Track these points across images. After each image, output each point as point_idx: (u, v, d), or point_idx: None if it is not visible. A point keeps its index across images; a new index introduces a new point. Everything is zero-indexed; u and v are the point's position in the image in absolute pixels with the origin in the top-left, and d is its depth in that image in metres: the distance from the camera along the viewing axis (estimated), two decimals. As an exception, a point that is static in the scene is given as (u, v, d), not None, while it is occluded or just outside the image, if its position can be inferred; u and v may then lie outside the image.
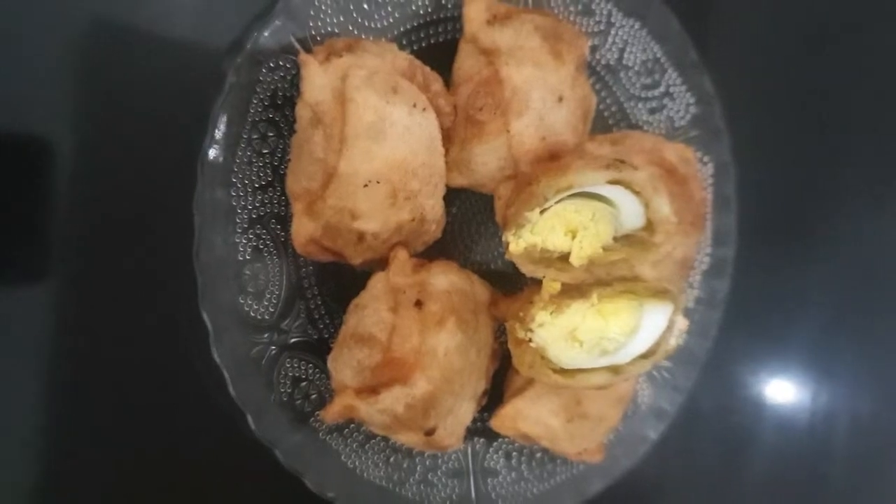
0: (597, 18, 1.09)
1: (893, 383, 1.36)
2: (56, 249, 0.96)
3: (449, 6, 1.02)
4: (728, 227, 1.16)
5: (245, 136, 0.91)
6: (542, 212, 0.89)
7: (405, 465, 1.01)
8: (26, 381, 0.95)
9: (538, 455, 1.07)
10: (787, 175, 1.31)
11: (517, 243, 0.90)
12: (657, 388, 1.13)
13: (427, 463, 1.02)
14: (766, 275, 1.28)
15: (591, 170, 0.87)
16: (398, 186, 0.88)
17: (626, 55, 1.12)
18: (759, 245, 1.23)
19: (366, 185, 0.86)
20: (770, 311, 1.31)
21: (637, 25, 1.10)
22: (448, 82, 0.99)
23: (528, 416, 1.00)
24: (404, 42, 1.01)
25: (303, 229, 0.90)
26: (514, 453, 1.07)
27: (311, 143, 0.87)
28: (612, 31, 1.10)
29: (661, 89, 1.14)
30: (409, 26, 1.01)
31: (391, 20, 1.00)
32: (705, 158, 1.16)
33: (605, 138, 1.08)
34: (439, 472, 1.02)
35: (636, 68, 1.13)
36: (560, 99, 0.98)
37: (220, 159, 0.89)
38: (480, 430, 1.05)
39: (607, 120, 1.14)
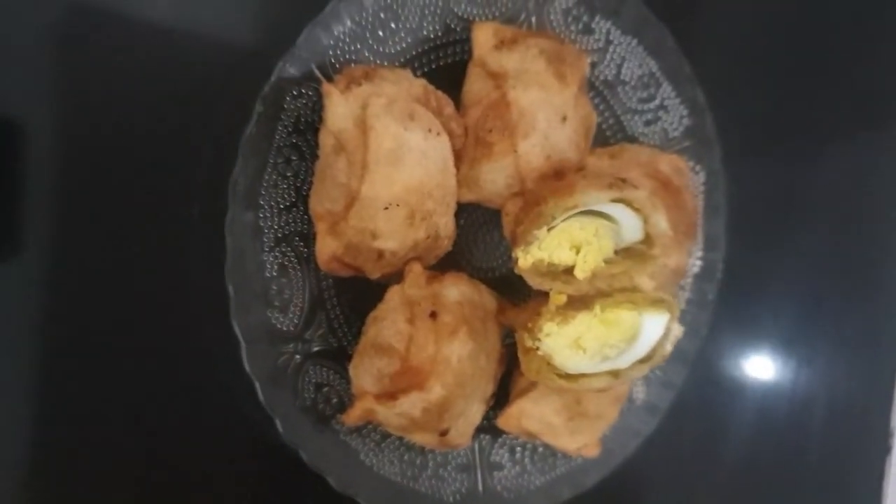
0: (596, 37, 1.15)
1: (866, 367, 1.44)
2: (79, 261, 1.02)
3: (458, 30, 1.07)
4: (718, 233, 1.23)
5: (271, 161, 0.97)
6: (549, 229, 0.96)
7: (418, 462, 1.08)
8: (54, 396, 1.01)
9: (540, 450, 1.15)
10: (769, 175, 1.38)
11: (526, 259, 0.97)
12: (650, 385, 1.21)
13: (438, 459, 1.10)
14: (745, 266, 1.34)
15: (595, 189, 0.94)
16: (416, 208, 0.95)
17: (623, 71, 1.18)
18: (739, 239, 1.29)
19: (386, 208, 0.92)
20: (747, 299, 1.37)
21: (634, 42, 1.16)
22: (457, 101, 1.05)
23: (531, 414, 1.08)
24: (416, 64, 1.07)
25: (326, 248, 0.96)
26: (518, 448, 1.14)
27: (335, 169, 0.93)
28: (611, 49, 1.16)
29: (657, 102, 1.20)
30: (420, 50, 1.06)
31: (404, 45, 1.05)
32: (697, 167, 1.22)
33: (605, 152, 1.15)
34: (449, 468, 1.10)
35: (633, 83, 1.19)
36: (564, 119, 1.04)
37: (249, 185, 0.95)
38: (487, 427, 1.12)
39: (605, 132, 1.20)
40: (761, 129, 1.35)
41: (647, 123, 1.21)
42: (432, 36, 1.07)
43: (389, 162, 0.92)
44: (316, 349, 1.03)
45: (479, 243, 1.15)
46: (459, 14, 1.07)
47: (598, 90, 1.18)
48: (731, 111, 1.24)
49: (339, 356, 1.04)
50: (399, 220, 0.94)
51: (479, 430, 1.10)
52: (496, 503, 1.11)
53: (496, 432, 1.12)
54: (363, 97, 0.93)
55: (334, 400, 1.04)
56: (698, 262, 1.24)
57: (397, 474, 1.07)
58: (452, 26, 1.07)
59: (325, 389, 1.03)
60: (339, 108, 0.92)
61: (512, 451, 1.14)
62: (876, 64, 1.41)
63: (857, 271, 1.43)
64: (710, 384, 1.35)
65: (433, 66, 1.08)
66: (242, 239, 0.95)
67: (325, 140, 0.94)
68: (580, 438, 1.10)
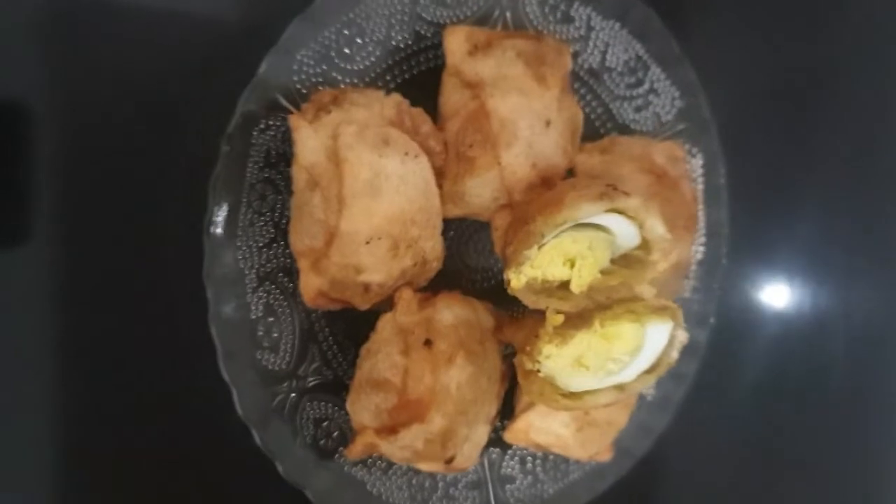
0: (576, 24, 1.09)
1: (883, 291, 1.41)
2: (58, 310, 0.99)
3: (428, 35, 1.02)
4: (720, 218, 1.19)
5: (245, 200, 0.93)
6: (540, 247, 0.92)
7: (427, 485, 1.06)
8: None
9: (551, 457, 1.12)
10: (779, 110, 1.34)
11: (518, 279, 0.93)
12: (661, 380, 1.17)
13: (447, 479, 1.08)
14: (759, 190, 1.32)
15: (586, 202, 0.89)
16: (399, 238, 0.91)
17: (608, 57, 1.12)
18: (751, 169, 1.27)
19: (368, 242, 0.89)
20: (764, 225, 1.35)
21: (617, 26, 1.11)
22: (434, 111, 1.00)
23: (539, 428, 1.05)
24: (388, 77, 1.02)
25: (311, 285, 0.92)
26: (529, 458, 1.12)
27: (311, 206, 0.89)
28: (593, 35, 1.11)
29: (646, 87, 1.15)
30: (391, 61, 1.02)
31: (373, 59, 1.00)
32: (694, 150, 1.17)
33: (595, 147, 1.10)
34: (459, 486, 1.08)
35: (619, 69, 1.13)
36: (547, 123, 0.99)
37: (224, 230, 0.91)
38: (495, 440, 1.09)
39: (594, 122, 1.15)
40: (759, 103, 1.30)
41: (638, 109, 1.16)
42: (402, 45, 1.02)
43: (367, 193, 0.88)
44: (312, 384, 1.01)
45: (472, 251, 1.11)
46: (428, 19, 1.02)
47: (583, 80, 1.13)
48: (725, 89, 1.18)
49: (337, 388, 1.02)
50: (383, 252, 0.91)
51: (488, 443, 1.07)
52: (511, 517, 1.09)
53: (505, 445, 1.10)
54: (333, 126, 0.89)
55: (335, 433, 1.02)
56: (701, 249, 1.19)
57: (407, 500, 1.05)
58: (423, 32, 1.02)
59: (325, 424, 1.01)
60: (309, 140, 0.88)
61: (523, 462, 1.12)
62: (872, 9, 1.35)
63: (870, 195, 1.40)
64: (729, 314, 1.31)
65: (406, 77, 1.04)
66: (223, 286, 0.92)
67: (298, 175, 0.90)
68: (591, 447, 1.07)
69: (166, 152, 1.01)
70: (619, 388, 0.95)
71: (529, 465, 1.12)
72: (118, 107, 1.00)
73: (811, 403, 1.39)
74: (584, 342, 0.93)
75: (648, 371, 0.96)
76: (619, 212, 0.91)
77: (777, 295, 1.37)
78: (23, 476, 1.00)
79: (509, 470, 1.11)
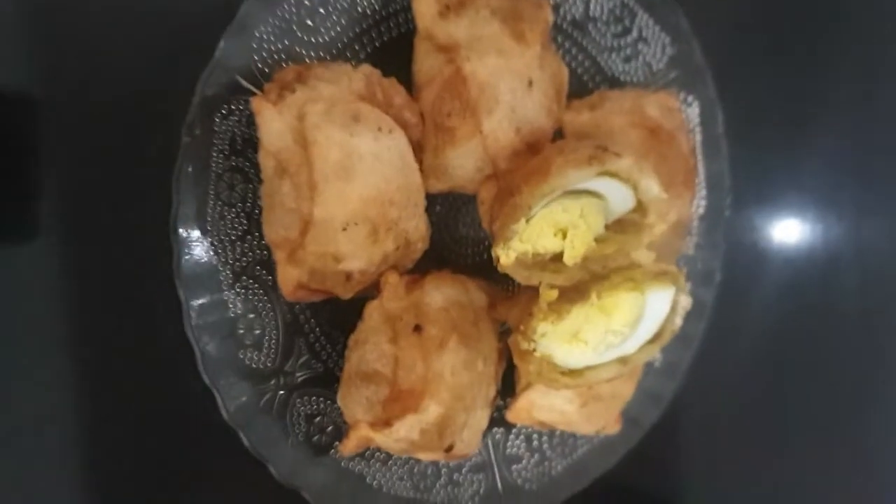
0: (555, -27, 1.02)
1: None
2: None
3: (397, -1, 0.96)
4: (721, 169, 1.13)
5: (212, 192, 0.87)
6: (528, 220, 0.86)
7: (429, 472, 1.02)
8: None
9: (558, 433, 1.08)
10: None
11: (507, 256, 0.87)
12: (668, 344, 1.12)
13: (450, 465, 1.03)
14: (760, 133, 1.28)
15: (573, 168, 0.83)
16: (377, 221, 0.85)
17: (591, 6, 1.06)
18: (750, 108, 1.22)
19: (344, 229, 0.83)
20: (768, 169, 1.30)
21: (598, -28, 1.04)
22: (408, 81, 0.94)
23: (542, 405, 1.00)
24: (357, 47, 0.96)
25: (288, 277, 0.87)
26: (535, 435, 1.08)
27: (281, 194, 0.83)
28: (574, -16, 1.04)
29: (633, 35, 1.08)
30: (358, 30, 0.95)
31: (339, 29, 0.94)
32: (689, 99, 1.11)
33: (583, 104, 1.04)
34: (463, 471, 1.03)
35: (604, 18, 1.07)
36: (530, 84, 0.93)
37: (193, 225, 0.86)
38: (498, 420, 1.05)
39: (582, 77, 1.09)
40: (753, 43, 1.23)
41: (627, 60, 1.10)
42: (369, 11, 0.95)
43: (339, 176, 0.82)
44: (301, 379, 0.96)
45: (460, 225, 1.06)
46: (396, -21, 0.95)
47: (567, 33, 1.07)
48: (717, 32, 1.12)
49: (328, 380, 0.97)
50: (361, 238, 0.85)
51: (491, 423, 1.03)
52: (519, 498, 1.05)
53: (509, 424, 1.05)
54: (298, 106, 0.83)
55: (329, 428, 0.97)
56: (703, 203, 1.13)
57: (410, 489, 1.01)
58: (390, -5, 0.96)
59: (318, 419, 0.97)
60: (274, 123, 0.82)
61: (529, 440, 1.08)
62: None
63: (876, 127, 1.35)
64: (738, 254, 1.27)
65: (376, 45, 0.98)
66: (197, 284, 0.86)
67: (266, 162, 0.84)
68: (598, 422, 1.03)
69: (136, 147, 0.95)
70: (622, 361, 0.90)
71: (536, 443, 1.08)
72: (81, 104, 0.94)
73: (825, 351, 1.34)
74: (580, 316, 0.88)
75: (652, 341, 0.91)
76: (611, 174, 0.85)
77: (786, 239, 1.32)
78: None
79: (515, 449, 1.07)
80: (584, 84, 1.09)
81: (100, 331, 0.95)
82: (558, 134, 1.01)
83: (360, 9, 0.94)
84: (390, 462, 1.00)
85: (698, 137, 1.12)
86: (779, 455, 1.31)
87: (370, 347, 0.89)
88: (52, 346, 0.94)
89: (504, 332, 0.98)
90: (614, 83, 1.09)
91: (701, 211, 1.14)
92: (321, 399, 0.97)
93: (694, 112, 1.11)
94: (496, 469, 1.05)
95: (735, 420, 1.29)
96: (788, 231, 1.31)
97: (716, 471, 1.28)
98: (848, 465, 1.36)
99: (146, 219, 0.92)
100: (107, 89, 0.94)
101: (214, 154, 0.87)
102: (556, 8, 1.03)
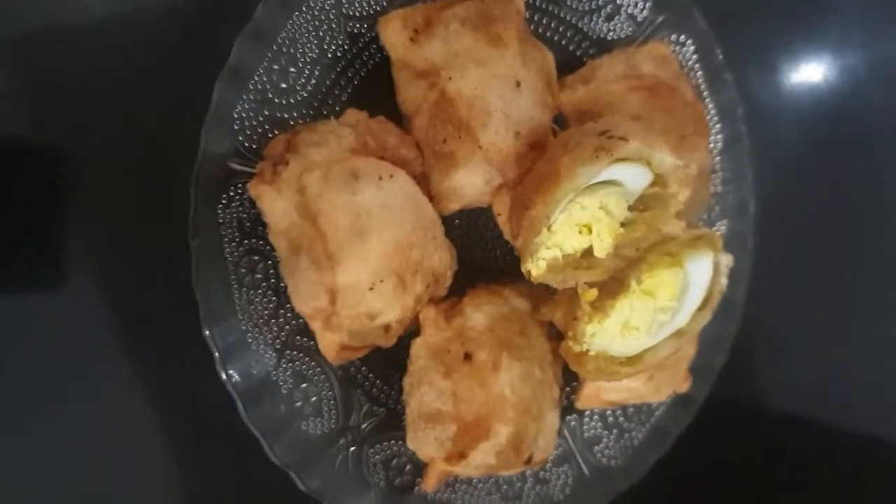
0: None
1: None
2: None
3: (364, 31, 0.94)
4: (731, 96, 1.09)
5: (234, 282, 0.87)
6: (549, 228, 0.84)
7: (514, 478, 1.02)
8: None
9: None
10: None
11: (537, 267, 0.86)
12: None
13: (533, 465, 1.04)
14: None
15: (582, 166, 0.81)
16: (402, 269, 0.84)
17: (559, -25, 1.02)
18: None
19: (371, 288, 0.82)
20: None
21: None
22: (396, 107, 0.92)
23: (609, 387, 1.00)
24: (337, 91, 0.94)
25: (329, 343, 0.87)
26: (608, 412, 1.07)
27: (301, 270, 0.82)
28: (536, -42, 0.99)
29: (609, -10, 1.04)
30: (333, 75, 0.93)
31: (314, 81, 0.92)
32: (681, 38, 1.07)
33: (576, 79, 1.01)
34: (548, 467, 1.04)
35: (575, -18, 1.02)
36: (517, 84, 0.90)
37: (224, 325, 0.85)
38: (568, 407, 1.05)
39: (568, 48, 1.06)
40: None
41: (609, 17, 1.06)
42: (339, 53, 0.93)
43: (354, 239, 0.81)
44: (367, 429, 0.96)
45: (484, 233, 1.04)
46: (357, 14, 0.93)
47: (542, 10, 1.04)
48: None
49: (394, 420, 0.97)
50: (390, 291, 0.84)
51: (563, 413, 1.03)
52: (608, 476, 1.05)
53: (580, 409, 1.05)
54: (295, 178, 0.81)
55: (407, 466, 0.98)
56: (720, 137, 1.10)
57: (499, 501, 1.01)
58: (356, 31, 0.93)
59: (394, 461, 0.97)
60: (276, 203, 0.81)
61: (604, 418, 1.07)
62: None
63: None
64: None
65: (355, 83, 0.95)
66: (247, 381, 0.87)
67: (278, 243, 0.83)
68: (667, 389, 1.03)
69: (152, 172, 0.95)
70: (678, 334, 0.90)
71: (611, 419, 1.07)
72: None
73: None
74: (626, 307, 0.87)
75: (702, 307, 0.90)
76: (621, 160, 0.83)
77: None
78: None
79: (592, 431, 1.07)
80: (572, 55, 1.05)
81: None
82: (558, 117, 0.98)
83: (329, 55, 0.91)
84: (475, 482, 1.00)
85: (699, 73, 1.08)
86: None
87: (426, 389, 0.89)
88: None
89: (555, 331, 0.97)
90: (602, 45, 1.06)
91: (720, 146, 1.10)
92: (392, 441, 0.97)
93: (689, 50, 1.07)
94: (578, 456, 1.05)
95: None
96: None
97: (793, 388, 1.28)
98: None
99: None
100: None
101: (226, 244, 0.86)
102: (525, -10, 0.99)
